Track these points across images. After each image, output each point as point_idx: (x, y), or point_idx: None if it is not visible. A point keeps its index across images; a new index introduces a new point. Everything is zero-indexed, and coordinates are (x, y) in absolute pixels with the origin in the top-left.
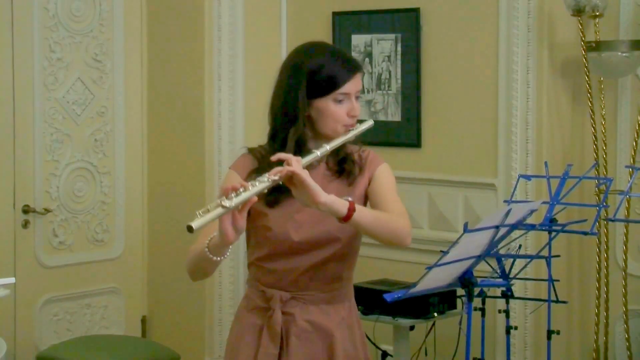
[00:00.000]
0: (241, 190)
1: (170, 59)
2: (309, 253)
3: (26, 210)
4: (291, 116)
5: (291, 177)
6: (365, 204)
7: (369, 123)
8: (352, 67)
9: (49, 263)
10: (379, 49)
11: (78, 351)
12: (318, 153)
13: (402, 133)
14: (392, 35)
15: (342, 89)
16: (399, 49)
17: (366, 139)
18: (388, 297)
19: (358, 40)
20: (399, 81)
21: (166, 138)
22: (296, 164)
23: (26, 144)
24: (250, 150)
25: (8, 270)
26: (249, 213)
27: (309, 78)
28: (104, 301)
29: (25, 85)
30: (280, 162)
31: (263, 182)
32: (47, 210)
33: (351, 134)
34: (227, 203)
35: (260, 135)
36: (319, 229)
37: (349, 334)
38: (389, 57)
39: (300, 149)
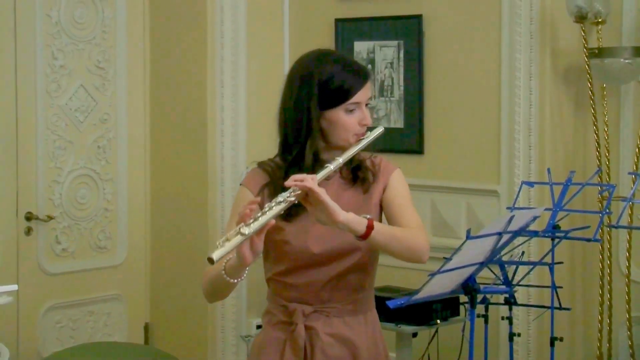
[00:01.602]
0: (259, 214)
1: (172, 65)
2: (329, 265)
3: (29, 217)
4: (305, 129)
5: (307, 195)
6: (380, 213)
7: (380, 130)
8: (363, 76)
9: (51, 270)
10: (382, 56)
11: (81, 358)
12: (332, 167)
13: (404, 140)
14: (395, 42)
15: (353, 99)
16: (402, 55)
17: (368, 145)
18: (391, 303)
19: (360, 47)
20: (402, 88)
21: (168, 145)
22: (312, 183)
23: (29, 150)
24: (260, 165)
25: (11, 277)
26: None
27: (319, 89)
28: (107, 308)
29: (28, 92)
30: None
31: (280, 204)
32: (49, 217)
33: (363, 143)
34: (246, 230)
35: (261, 142)
36: (338, 239)
37: (373, 345)
38: (391, 63)
39: (317, 161)
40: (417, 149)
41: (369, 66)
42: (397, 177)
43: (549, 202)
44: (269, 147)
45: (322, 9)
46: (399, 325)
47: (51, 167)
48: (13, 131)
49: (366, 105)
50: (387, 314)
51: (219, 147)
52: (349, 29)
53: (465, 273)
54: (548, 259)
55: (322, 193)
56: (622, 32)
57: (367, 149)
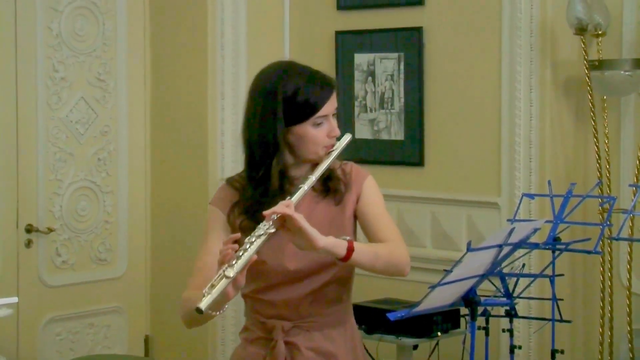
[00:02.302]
0: (240, 252)
1: (173, 77)
2: (306, 280)
3: (29, 229)
4: (271, 146)
5: (284, 221)
6: (355, 224)
7: (348, 138)
8: (329, 87)
9: (51, 282)
10: (382, 68)
11: None
12: (305, 187)
13: (405, 152)
14: (395, 54)
15: (320, 112)
16: (402, 67)
17: (369, 157)
18: (391, 316)
19: (361, 59)
20: (402, 100)
21: (169, 157)
22: (289, 210)
23: (29, 163)
24: (229, 181)
25: (11, 289)
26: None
27: (285, 105)
28: (107, 320)
29: (28, 104)
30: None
31: (260, 237)
32: (50, 230)
33: (334, 155)
34: (230, 273)
35: None
36: (314, 255)
37: (354, 356)
38: (391, 75)
39: (284, 179)
40: (418, 161)
41: (369, 78)
42: (369, 185)
43: (550, 214)
44: (243, 168)
45: (322, 21)
46: (399, 338)
47: (51, 179)
48: (13, 143)
49: (333, 115)
50: (387, 326)
51: (220, 159)
52: (350, 41)
53: (466, 285)
54: (549, 271)
55: (300, 219)
56: (623, 44)
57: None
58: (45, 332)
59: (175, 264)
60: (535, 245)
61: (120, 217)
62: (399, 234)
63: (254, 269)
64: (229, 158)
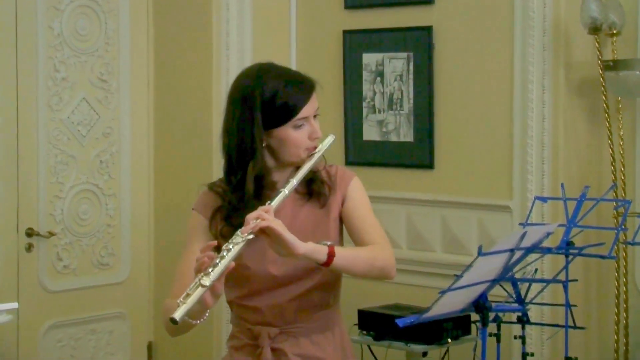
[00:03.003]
0: (217, 260)
1: (177, 78)
2: (291, 285)
3: (30, 233)
4: (248, 151)
5: (265, 229)
6: (340, 227)
7: (330, 139)
8: (308, 88)
9: (53, 287)
10: (391, 68)
11: None
12: (286, 191)
13: (414, 154)
14: (404, 54)
15: (300, 114)
16: (411, 67)
17: (377, 160)
18: (400, 322)
19: (369, 59)
20: (411, 101)
21: (173, 159)
22: (269, 217)
23: (30, 165)
24: (211, 187)
25: (11, 294)
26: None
27: (263, 109)
28: (110, 326)
29: (29, 105)
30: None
31: (238, 244)
32: (51, 234)
33: (315, 158)
34: (206, 281)
35: None
36: (297, 260)
37: None
38: (400, 76)
39: (261, 184)
40: (427, 164)
41: (378, 78)
42: (355, 186)
43: (563, 218)
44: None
45: (329, 21)
46: (408, 345)
47: (52, 182)
48: (14, 145)
49: (315, 117)
50: (396, 333)
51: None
52: (357, 40)
53: (477, 291)
54: (562, 277)
55: (279, 227)
56: (638, 43)
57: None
58: (46, 338)
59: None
60: (548, 250)
61: (123, 220)
62: (384, 236)
63: (237, 275)
64: None
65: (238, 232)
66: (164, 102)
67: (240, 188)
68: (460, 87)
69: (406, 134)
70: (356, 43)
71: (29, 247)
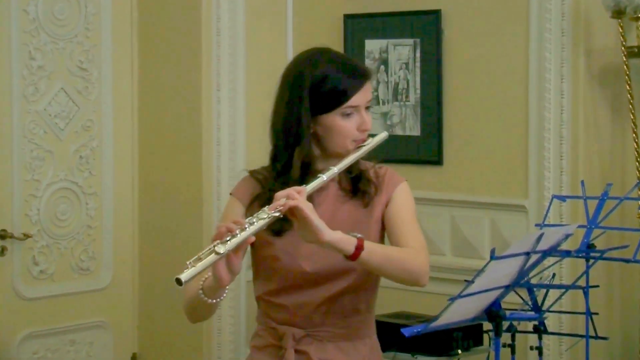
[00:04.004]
0: (237, 231)
1: (163, 66)
2: (322, 285)
3: (3, 235)
4: (294, 135)
5: (293, 210)
6: (382, 229)
7: (382, 136)
8: (361, 76)
9: (28, 294)
10: (396, 56)
11: None
12: (324, 177)
13: (421, 149)
14: (410, 40)
15: (349, 102)
16: (418, 55)
17: (381, 155)
18: (406, 331)
19: (372, 46)
20: (418, 91)
21: (159, 155)
22: (298, 198)
23: (3, 161)
24: (252, 173)
25: None
26: (252, 243)
27: (311, 91)
28: (90, 337)
29: (2, 96)
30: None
31: (262, 219)
32: (26, 236)
33: (362, 151)
34: (221, 249)
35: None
36: (331, 258)
37: None
38: (406, 64)
39: (307, 171)
40: (436, 159)
41: (382, 67)
42: (402, 190)
43: (583, 218)
44: (268, 161)
45: (329, 4)
46: (415, 356)
47: (28, 180)
48: None
49: (367, 108)
50: (402, 343)
51: (215, 158)
52: (359, 25)
53: (489, 297)
54: (582, 282)
55: (307, 209)
56: None
57: (371, 157)
58: (21, 349)
59: (166, 275)
60: (567, 253)
61: (105, 221)
62: (423, 243)
63: (267, 267)
64: (226, 156)
65: (265, 208)
66: (149, 93)
67: (284, 174)
68: (472, 76)
69: (412, 128)
70: (358, 28)
71: (2, 251)
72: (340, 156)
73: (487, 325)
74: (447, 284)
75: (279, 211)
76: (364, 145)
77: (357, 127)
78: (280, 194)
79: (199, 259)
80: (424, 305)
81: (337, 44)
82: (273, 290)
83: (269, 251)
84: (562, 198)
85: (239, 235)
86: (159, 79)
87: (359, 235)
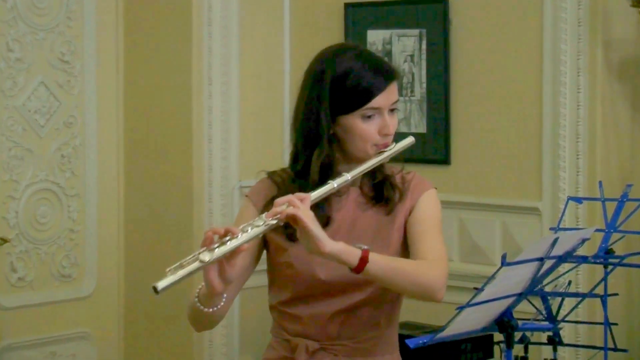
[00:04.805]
0: (227, 238)
1: (150, 59)
2: (338, 296)
3: None
4: (313, 135)
5: (293, 218)
6: (404, 237)
7: (408, 141)
8: (387, 75)
9: (5, 304)
10: (400, 47)
11: None
12: (335, 184)
13: (427, 147)
14: (416, 31)
15: (371, 103)
16: (424, 46)
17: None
18: (411, 342)
19: (375, 37)
20: (424, 85)
21: (146, 154)
22: (301, 206)
23: None
24: (270, 175)
25: None
26: (268, 248)
27: (332, 89)
28: (72, 349)
29: None
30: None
31: (257, 227)
32: (3, 240)
33: (382, 157)
34: (206, 257)
35: (257, 150)
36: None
37: None
38: (411, 56)
39: (327, 174)
40: (443, 158)
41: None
42: (428, 198)
43: (601, 221)
44: (266, 156)
45: None
46: None
47: (5, 180)
48: None
49: (392, 110)
50: (406, 356)
51: (207, 157)
52: (361, 15)
53: (501, 306)
54: (600, 290)
55: (306, 218)
56: None
57: (398, 161)
58: None
59: (153, 282)
60: (584, 259)
61: (88, 225)
62: (442, 255)
63: (281, 274)
64: (218, 155)
65: (263, 215)
66: (136, 87)
67: (303, 177)
68: (481, 69)
69: (418, 124)
70: (360, 18)
71: None
72: (361, 160)
73: (498, 337)
74: (455, 292)
75: (277, 219)
76: (386, 151)
77: (379, 130)
78: (281, 201)
79: (181, 266)
80: (430, 315)
81: (337, 35)
82: (287, 299)
83: (283, 257)
84: (579, 200)
85: (228, 243)
86: (146, 72)
87: (365, 247)
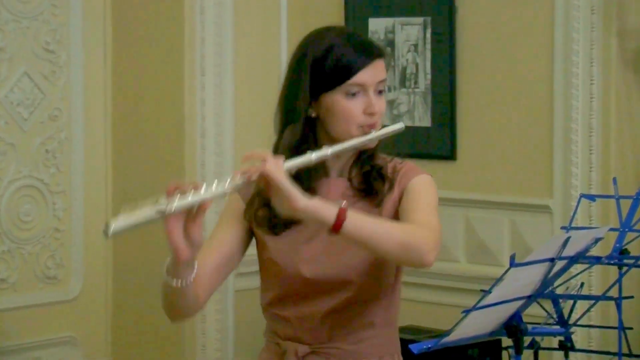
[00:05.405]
0: (188, 192)
1: (140, 49)
2: (325, 294)
3: None
4: (290, 117)
5: (267, 180)
6: None
7: (397, 126)
8: (370, 52)
9: None
10: (404, 36)
11: None
12: (312, 155)
13: (432, 142)
14: (420, 19)
15: (355, 79)
16: (429, 36)
17: (387, 148)
18: (415, 347)
19: (377, 25)
20: (429, 77)
21: (136, 149)
22: (272, 161)
23: None
24: None
25: None
26: (256, 242)
27: (313, 68)
28: (58, 354)
29: None
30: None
31: (224, 184)
32: None
33: (368, 137)
34: (162, 206)
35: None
36: (336, 263)
37: None
38: (415, 46)
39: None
40: (448, 154)
41: (388, 49)
42: (419, 182)
43: (615, 220)
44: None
45: None
46: None
47: None
48: None
49: (379, 91)
50: None
51: (199, 152)
52: (363, 2)
53: (509, 310)
54: (614, 293)
55: (277, 174)
56: None
57: (391, 151)
58: None
59: (142, 284)
60: (597, 260)
61: (74, 224)
62: (434, 224)
63: (268, 273)
64: (211, 149)
65: (232, 173)
66: (124, 78)
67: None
68: (489, 59)
69: (422, 117)
70: (361, 6)
71: None
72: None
73: (506, 342)
74: (461, 295)
75: (246, 176)
76: (371, 132)
77: (364, 109)
78: (253, 154)
79: (137, 209)
80: (435, 318)
81: (337, 23)
82: (274, 299)
83: (266, 253)
84: (592, 197)
85: (190, 196)
86: (136, 62)
87: (343, 203)
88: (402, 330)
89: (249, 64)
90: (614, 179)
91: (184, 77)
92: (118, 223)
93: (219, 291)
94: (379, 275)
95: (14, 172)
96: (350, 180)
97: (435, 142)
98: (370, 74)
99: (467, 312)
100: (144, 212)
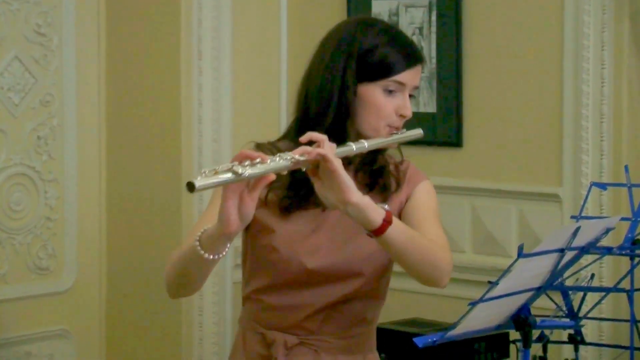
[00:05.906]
0: (257, 161)
1: (135, 31)
2: (324, 287)
3: None
4: (337, 101)
5: (318, 165)
6: None
7: (417, 132)
8: (413, 55)
9: None
10: (408, 19)
11: None
12: (354, 147)
13: (437, 128)
14: (425, 1)
15: (397, 76)
16: (434, 18)
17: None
18: (419, 341)
19: (380, 8)
20: (434, 61)
21: (130, 136)
22: (329, 149)
23: None
24: (258, 147)
25: None
26: (248, 226)
27: (359, 59)
28: (49, 348)
29: None
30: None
31: (285, 160)
32: None
33: (395, 138)
34: (239, 169)
35: (251, 132)
36: (340, 255)
37: None
38: (420, 29)
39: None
40: (454, 141)
41: None
42: (424, 188)
43: (627, 209)
44: (261, 138)
45: None
46: None
47: None
48: None
49: (410, 95)
50: (414, 355)
51: (196, 139)
52: None
53: (517, 302)
54: (626, 284)
55: (337, 162)
56: None
57: (396, 150)
58: None
59: (138, 275)
60: (608, 250)
61: (67, 213)
62: (446, 243)
63: (263, 258)
64: (208, 137)
65: (288, 153)
66: (118, 62)
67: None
68: (496, 43)
69: (427, 103)
70: None
71: None
72: (369, 138)
73: (514, 335)
74: (467, 286)
75: (305, 157)
76: (397, 134)
77: (396, 109)
78: (313, 136)
79: (215, 173)
80: (440, 311)
81: (339, 6)
82: (265, 286)
83: (267, 240)
84: (603, 186)
85: (259, 165)
86: (130, 47)
87: (387, 207)
88: (407, 323)
89: (248, 48)
90: (626, 167)
91: (180, 61)
92: (202, 181)
93: (216, 283)
94: (385, 270)
95: (4, 160)
96: (356, 173)
97: (441, 128)
98: (411, 76)
99: (473, 304)
100: (224, 177)
